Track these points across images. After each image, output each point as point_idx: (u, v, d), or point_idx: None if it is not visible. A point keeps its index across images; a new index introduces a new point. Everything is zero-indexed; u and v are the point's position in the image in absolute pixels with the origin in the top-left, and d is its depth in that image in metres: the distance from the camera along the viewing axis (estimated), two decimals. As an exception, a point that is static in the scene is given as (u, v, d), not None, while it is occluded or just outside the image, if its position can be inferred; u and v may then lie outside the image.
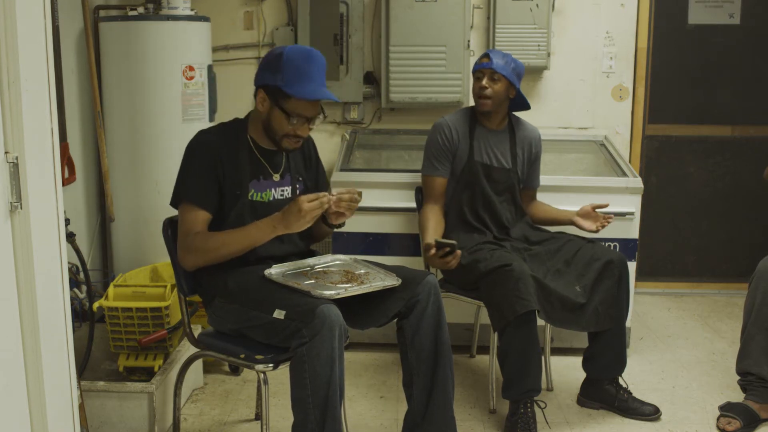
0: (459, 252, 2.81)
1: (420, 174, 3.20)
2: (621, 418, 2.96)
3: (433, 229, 3.03)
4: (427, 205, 3.12)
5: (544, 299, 2.80)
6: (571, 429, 2.90)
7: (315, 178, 2.67)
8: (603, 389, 3.02)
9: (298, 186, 2.57)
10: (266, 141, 2.50)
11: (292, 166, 2.56)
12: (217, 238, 2.37)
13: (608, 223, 3.02)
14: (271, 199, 2.49)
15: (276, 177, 2.51)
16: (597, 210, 3.05)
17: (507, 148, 3.13)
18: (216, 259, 2.39)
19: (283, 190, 2.53)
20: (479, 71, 3.06)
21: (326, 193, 2.32)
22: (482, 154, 3.10)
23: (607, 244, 3.44)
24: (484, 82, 3.03)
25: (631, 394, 3.02)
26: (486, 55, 3.06)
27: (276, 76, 2.36)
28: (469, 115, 3.15)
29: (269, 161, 2.50)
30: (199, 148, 2.42)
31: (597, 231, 3.03)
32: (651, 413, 2.95)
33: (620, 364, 3.00)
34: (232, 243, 2.36)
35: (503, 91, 3.04)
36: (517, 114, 3.22)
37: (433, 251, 2.81)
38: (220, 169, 2.39)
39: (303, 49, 2.41)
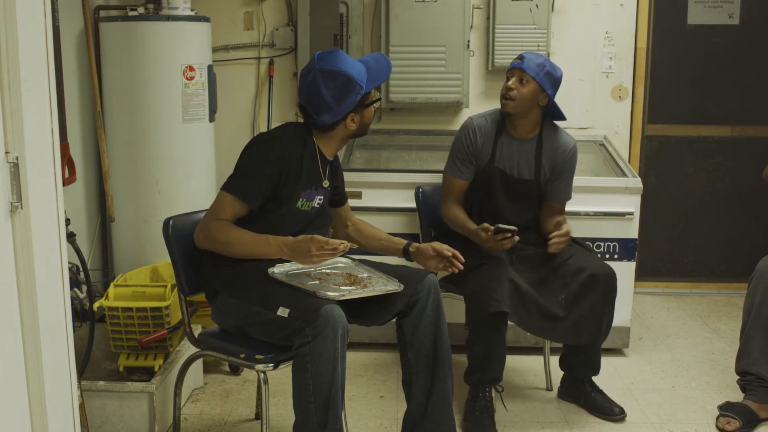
0: (516, 237, 2.78)
1: (418, 174, 3.19)
2: (618, 419, 2.97)
3: (467, 218, 2.99)
4: (448, 203, 3.07)
5: (519, 304, 2.77)
6: (571, 429, 2.90)
7: (338, 184, 2.69)
8: (576, 386, 3.05)
9: (328, 193, 2.59)
10: (330, 150, 2.52)
11: (330, 175, 2.58)
12: (230, 235, 2.36)
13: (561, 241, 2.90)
14: (312, 208, 2.51)
15: (326, 183, 2.54)
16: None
17: (531, 159, 3.00)
18: (221, 251, 2.40)
19: (320, 199, 2.55)
20: (510, 71, 2.96)
21: (344, 242, 2.31)
22: (504, 162, 3.01)
23: (606, 245, 3.44)
24: (511, 82, 2.93)
25: (602, 393, 3.02)
26: (520, 56, 2.95)
27: (356, 91, 2.40)
28: (500, 118, 3.04)
29: (324, 170, 2.52)
30: (269, 156, 2.39)
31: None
32: (616, 414, 2.95)
33: (593, 368, 3.01)
34: (240, 246, 2.37)
35: (530, 96, 2.91)
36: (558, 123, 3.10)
37: (487, 234, 2.78)
38: (284, 177, 2.39)
39: (339, 53, 2.44)
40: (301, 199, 2.45)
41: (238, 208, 2.38)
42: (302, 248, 2.29)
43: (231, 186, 2.39)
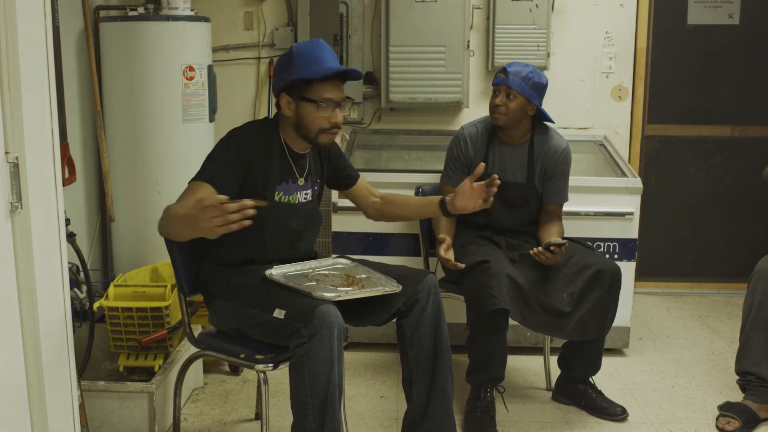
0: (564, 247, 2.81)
1: (418, 174, 3.18)
2: (620, 419, 2.97)
3: (444, 228, 3.02)
4: None
5: (521, 301, 2.78)
6: (571, 429, 2.90)
7: (342, 171, 2.70)
8: (574, 387, 3.05)
9: (316, 188, 2.59)
10: (298, 144, 2.50)
11: (312, 170, 2.57)
12: (172, 210, 2.21)
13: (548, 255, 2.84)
14: (297, 202, 2.51)
15: (301, 181, 2.52)
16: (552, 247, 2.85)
17: (524, 163, 3.03)
18: (166, 230, 2.24)
19: (306, 194, 2.54)
20: (496, 86, 2.98)
21: (245, 201, 2.02)
22: (497, 168, 3.04)
23: (606, 245, 3.44)
24: (498, 99, 2.95)
25: (601, 393, 3.02)
26: (504, 70, 2.97)
27: (291, 72, 2.38)
28: (491, 126, 3.07)
29: (297, 165, 2.51)
30: (235, 145, 2.39)
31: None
32: (618, 413, 2.95)
33: (594, 367, 3.01)
34: (175, 221, 2.18)
35: (519, 109, 2.94)
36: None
37: (440, 248, 2.82)
38: (252, 169, 2.39)
39: (309, 41, 2.45)
40: (277, 193, 2.45)
41: (200, 192, 2.27)
42: (194, 214, 2.04)
43: (195, 175, 2.37)
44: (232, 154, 2.38)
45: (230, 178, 2.35)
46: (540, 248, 2.84)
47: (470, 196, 2.52)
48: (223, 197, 2.00)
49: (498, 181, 2.50)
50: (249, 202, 2.01)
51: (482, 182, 2.50)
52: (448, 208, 2.56)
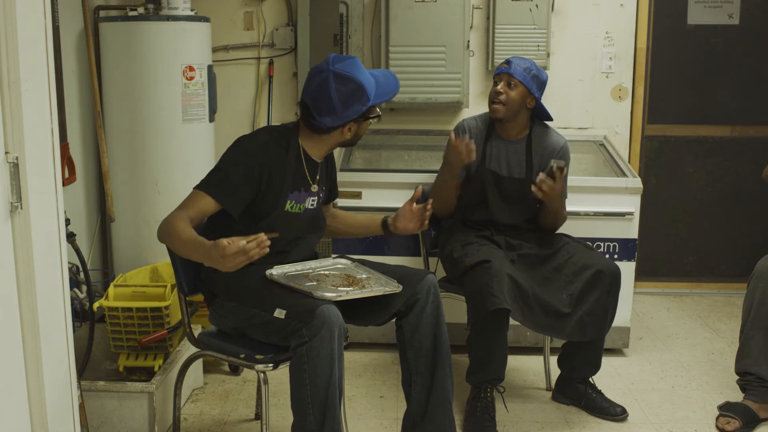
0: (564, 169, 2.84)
1: (418, 174, 3.19)
2: (620, 419, 2.97)
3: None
4: None
5: (521, 301, 2.78)
6: (571, 429, 2.90)
7: (330, 185, 2.69)
8: (574, 387, 3.05)
9: (321, 195, 2.58)
10: (318, 152, 2.50)
11: (322, 177, 2.57)
12: (177, 226, 2.26)
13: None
14: (304, 210, 2.50)
15: (314, 187, 2.52)
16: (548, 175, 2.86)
17: (522, 159, 3.04)
18: (169, 243, 2.33)
19: (313, 200, 2.53)
20: (497, 75, 3.00)
21: (257, 237, 2.13)
22: (495, 163, 3.05)
23: (606, 245, 3.44)
24: (500, 86, 2.97)
25: (601, 393, 3.03)
26: (507, 61, 3.00)
27: (364, 102, 2.39)
28: (490, 121, 3.08)
29: (311, 172, 2.50)
30: (245, 159, 2.36)
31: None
32: (618, 413, 2.96)
33: (593, 367, 3.01)
34: (179, 243, 2.26)
35: (519, 99, 2.95)
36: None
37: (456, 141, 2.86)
38: (265, 180, 2.37)
39: (356, 60, 2.42)
40: (289, 202, 2.44)
41: (203, 204, 2.32)
42: (213, 255, 2.15)
43: (201, 183, 2.36)
44: (241, 170, 2.35)
45: (237, 196, 2.35)
46: (540, 177, 2.81)
47: (410, 218, 2.63)
48: (243, 243, 2.11)
49: (430, 207, 2.62)
50: (263, 236, 2.14)
51: (420, 205, 2.62)
52: (390, 229, 2.67)
